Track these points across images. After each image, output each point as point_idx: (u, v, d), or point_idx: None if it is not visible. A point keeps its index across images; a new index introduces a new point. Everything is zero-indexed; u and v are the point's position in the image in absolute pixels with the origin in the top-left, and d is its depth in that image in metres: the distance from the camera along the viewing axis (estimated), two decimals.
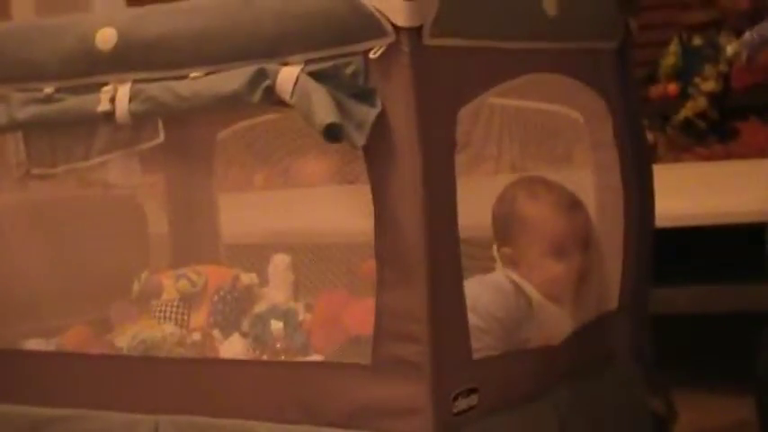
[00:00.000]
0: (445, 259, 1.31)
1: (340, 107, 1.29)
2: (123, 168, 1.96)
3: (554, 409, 1.47)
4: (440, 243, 1.30)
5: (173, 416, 1.49)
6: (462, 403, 1.34)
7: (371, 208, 1.36)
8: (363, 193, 1.68)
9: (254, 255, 1.90)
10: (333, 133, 1.28)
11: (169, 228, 2.00)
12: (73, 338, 1.71)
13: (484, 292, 1.48)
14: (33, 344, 1.69)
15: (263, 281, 1.84)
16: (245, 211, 2.02)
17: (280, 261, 1.87)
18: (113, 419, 1.53)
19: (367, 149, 1.31)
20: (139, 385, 1.55)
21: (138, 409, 1.52)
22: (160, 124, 1.52)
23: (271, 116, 1.71)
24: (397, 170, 1.29)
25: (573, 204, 1.56)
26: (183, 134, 1.85)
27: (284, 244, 1.89)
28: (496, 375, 1.39)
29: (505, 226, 1.55)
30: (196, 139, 1.93)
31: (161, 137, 1.59)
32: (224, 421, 1.45)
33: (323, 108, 1.28)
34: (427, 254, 1.28)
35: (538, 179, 1.58)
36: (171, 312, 1.80)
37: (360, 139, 1.29)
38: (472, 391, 1.35)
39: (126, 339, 1.72)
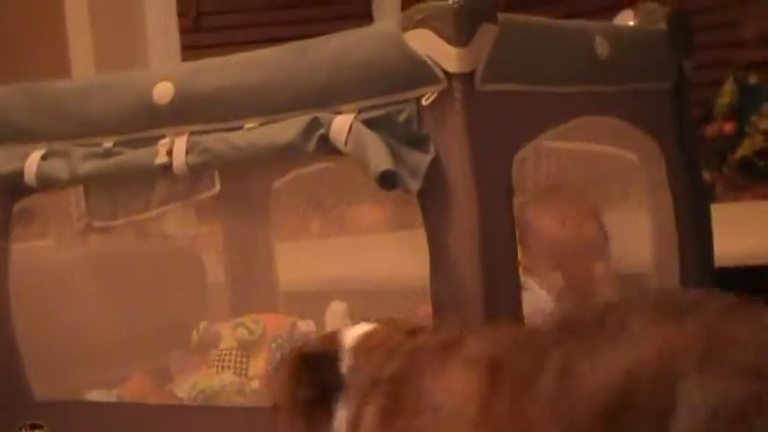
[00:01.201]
0: (503, 303, 1.30)
1: (394, 154, 1.29)
2: (180, 219, 1.98)
3: None
4: (498, 287, 1.29)
5: None
6: None
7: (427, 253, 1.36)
8: (418, 238, 1.70)
9: (312, 302, 1.90)
10: (388, 180, 1.28)
11: (226, 277, 2.01)
12: (133, 388, 1.72)
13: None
14: (95, 395, 1.70)
15: (321, 328, 1.84)
16: (301, 259, 2.02)
17: (336, 308, 1.87)
18: None
19: (421, 195, 1.31)
20: None
21: None
22: (216, 175, 1.54)
23: (325, 164, 1.71)
24: (452, 215, 1.29)
25: (583, 215, 1.54)
26: (238, 184, 1.87)
27: (341, 290, 1.89)
28: None
29: (520, 233, 1.53)
30: (252, 188, 1.95)
31: (217, 187, 1.61)
32: None
33: (377, 155, 1.28)
34: (484, 299, 1.27)
35: (553, 187, 1.57)
36: (230, 361, 1.80)
37: (414, 185, 1.29)
38: None
39: (186, 389, 1.73)
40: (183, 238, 2.03)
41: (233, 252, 2.03)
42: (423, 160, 1.29)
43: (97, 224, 1.74)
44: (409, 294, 1.69)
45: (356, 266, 1.96)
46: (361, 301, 1.85)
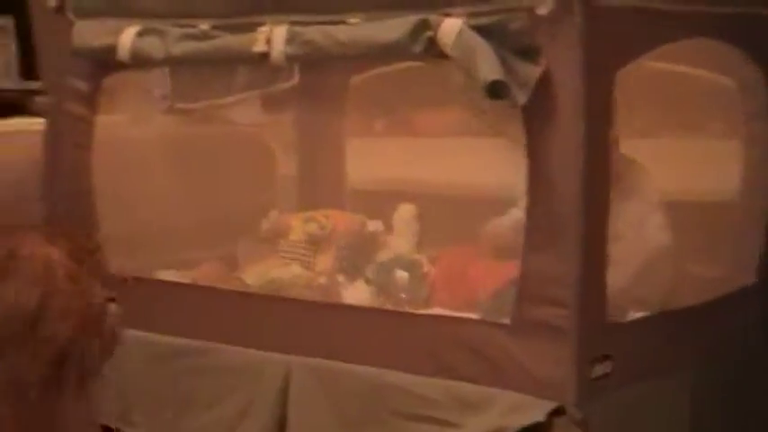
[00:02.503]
0: (597, 224, 1.29)
1: (503, 63, 1.26)
2: (254, 107, 1.97)
3: (686, 385, 1.45)
4: (594, 208, 1.28)
5: (304, 357, 1.50)
6: (599, 369, 1.32)
7: (508, 165, 1.36)
8: (489, 147, 1.68)
9: (379, 202, 1.90)
10: (496, 90, 1.25)
11: (297, 170, 2.01)
12: (206, 273, 1.73)
13: None
14: (168, 275, 1.71)
15: (388, 229, 1.84)
16: (371, 158, 2.01)
17: (405, 211, 1.86)
18: (247, 355, 1.54)
19: (525, 108, 1.28)
20: (270, 324, 1.56)
21: (269, 347, 1.54)
22: (296, 67, 1.52)
23: (406, 65, 1.69)
24: (557, 131, 1.26)
25: None
26: (316, 77, 1.86)
27: (409, 193, 1.89)
28: (631, 342, 1.38)
29: None
30: (329, 82, 1.93)
31: (296, 78, 1.60)
32: (356, 368, 1.45)
33: (487, 64, 1.25)
34: (583, 219, 1.26)
35: None
36: (298, 254, 1.81)
37: (522, 97, 1.26)
38: (607, 357, 1.34)
39: (254, 277, 1.74)
40: (254, 125, 2.02)
41: (305, 145, 2.03)
42: (533, 72, 1.26)
43: (179, 105, 1.74)
44: (481, 203, 1.71)
45: (426, 170, 1.95)
46: (430, 206, 1.85)
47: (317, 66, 1.66)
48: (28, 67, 2.69)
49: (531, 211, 1.31)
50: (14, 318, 0.97)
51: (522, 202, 1.35)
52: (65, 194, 1.69)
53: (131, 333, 1.63)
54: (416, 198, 1.86)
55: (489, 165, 1.65)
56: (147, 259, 1.73)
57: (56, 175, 1.69)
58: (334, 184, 1.99)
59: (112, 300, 1.62)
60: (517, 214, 1.46)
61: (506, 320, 1.35)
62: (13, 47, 2.69)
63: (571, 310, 1.28)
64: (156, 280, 1.69)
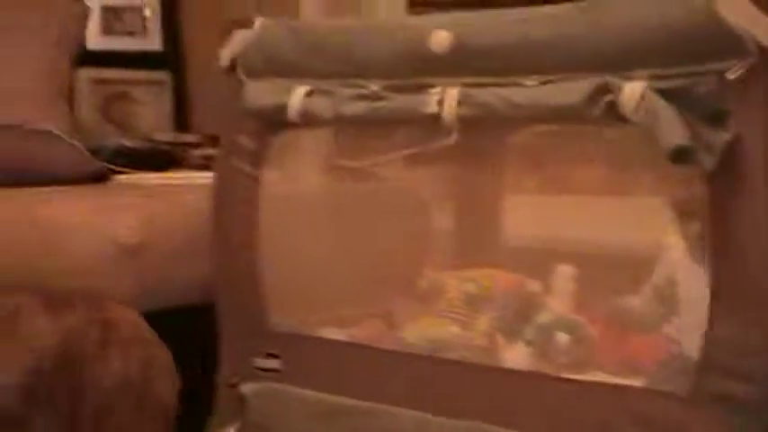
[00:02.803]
0: None
1: (689, 128, 1.23)
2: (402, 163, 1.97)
3: None
4: None
5: (465, 421, 1.48)
6: None
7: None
8: (644, 207, 1.64)
9: (536, 260, 1.87)
10: (682, 155, 1.22)
11: (454, 225, 2.00)
12: (366, 331, 1.73)
13: None
14: (329, 332, 1.72)
15: (547, 288, 1.81)
16: (528, 215, 1.99)
17: (564, 271, 1.84)
18: (406, 417, 1.53)
19: (711, 175, 1.25)
20: (429, 385, 1.55)
21: (429, 409, 1.52)
22: (454, 126, 1.52)
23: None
24: (747, 200, 1.22)
25: None
26: (476, 134, 1.85)
27: (567, 252, 1.86)
28: None
29: None
30: (487, 139, 1.92)
31: (454, 137, 1.59)
32: None
33: (672, 128, 1.22)
34: None
35: None
36: (456, 313, 1.80)
37: (710, 162, 1.23)
38: None
39: (413, 336, 1.73)
40: (410, 182, 2.02)
41: (461, 201, 2.02)
42: (720, 137, 1.23)
43: (342, 163, 1.76)
44: (639, 264, 1.66)
45: (583, 228, 1.91)
46: (587, 267, 1.81)
47: (474, 125, 1.66)
48: (182, 121, 2.79)
49: (714, 279, 1.26)
50: (126, 386, 0.98)
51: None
52: (231, 249, 1.71)
53: (293, 390, 1.67)
54: (573, 258, 1.82)
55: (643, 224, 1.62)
56: (308, 316, 1.75)
57: (223, 229, 1.72)
58: (490, 241, 1.97)
59: (276, 356, 1.64)
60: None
61: (683, 392, 1.30)
62: (169, 101, 2.79)
63: (759, 384, 1.23)
64: (317, 337, 1.70)
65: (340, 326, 1.74)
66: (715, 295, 1.26)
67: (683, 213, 1.46)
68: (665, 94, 1.26)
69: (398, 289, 1.84)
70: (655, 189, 1.58)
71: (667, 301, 1.55)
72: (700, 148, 1.23)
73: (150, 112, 2.74)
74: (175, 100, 2.78)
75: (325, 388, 1.63)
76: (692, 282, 1.42)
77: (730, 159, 1.23)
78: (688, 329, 1.37)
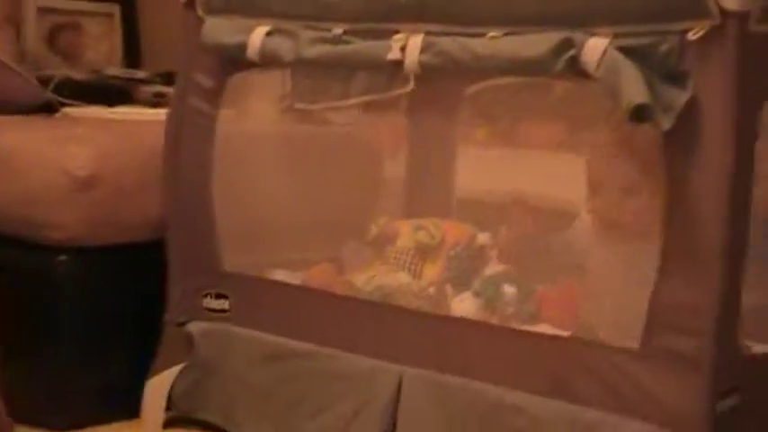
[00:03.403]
0: (737, 255, 1.27)
1: (649, 87, 1.24)
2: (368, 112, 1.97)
3: None
4: (735, 239, 1.26)
5: (417, 369, 1.50)
6: (727, 402, 1.31)
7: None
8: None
9: (486, 213, 1.89)
10: (640, 113, 1.24)
11: (405, 175, 2.01)
12: (317, 275, 1.74)
13: None
14: (279, 275, 1.72)
15: (497, 241, 1.83)
16: (480, 168, 2.00)
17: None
18: (358, 363, 1.54)
19: (667, 134, 1.27)
20: (381, 332, 1.56)
21: (381, 355, 1.54)
22: (412, 74, 1.52)
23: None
24: (701, 159, 1.24)
25: None
26: (433, 85, 1.85)
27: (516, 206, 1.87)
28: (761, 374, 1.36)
29: None
30: (444, 90, 1.93)
31: (411, 85, 1.59)
32: (472, 383, 1.45)
33: (633, 86, 1.23)
34: (724, 250, 1.24)
35: None
36: (406, 261, 1.81)
37: (667, 122, 1.24)
38: (734, 390, 1.32)
39: (362, 281, 1.75)
40: (365, 129, 2.02)
41: (414, 151, 2.02)
42: (679, 97, 1.24)
43: (298, 106, 1.76)
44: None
45: (533, 183, 1.94)
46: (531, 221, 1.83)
47: (435, 74, 1.66)
48: (132, 56, 2.74)
49: (666, 238, 1.29)
50: None
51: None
52: (185, 186, 1.70)
53: (241, 331, 1.68)
54: (522, 212, 1.83)
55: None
56: (259, 257, 1.74)
57: (176, 167, 1.71)
58: (442, 192, 1.99)
59: (225, 297, 1.63)
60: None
61: (634, 346, 1.33)
62: (118, 35, 2.73)
63: (707, 341, 1.26)
64: (268, 279, 1.70)
65: (290, 269, 1.75)
66: (664, 254, 1.29)
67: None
68: (627, 51, 1.27)
69: (349, 235, 1.85)
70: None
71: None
72: (658, 107, 1.24)
73: (100, 45, 2.69)
74: (126, 33, 2.73)
75: (273, 330, 1.63)
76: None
77: (687, 120, 1.25)
78: (634, 286, 1.39)
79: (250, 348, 1.66)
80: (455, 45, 1.41)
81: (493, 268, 1.74)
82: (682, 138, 1.26)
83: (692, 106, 1.25)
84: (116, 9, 2.77)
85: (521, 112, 1.96)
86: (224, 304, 1.69)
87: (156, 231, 1.74)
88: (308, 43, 1.53)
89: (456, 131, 2.00)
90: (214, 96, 1.66)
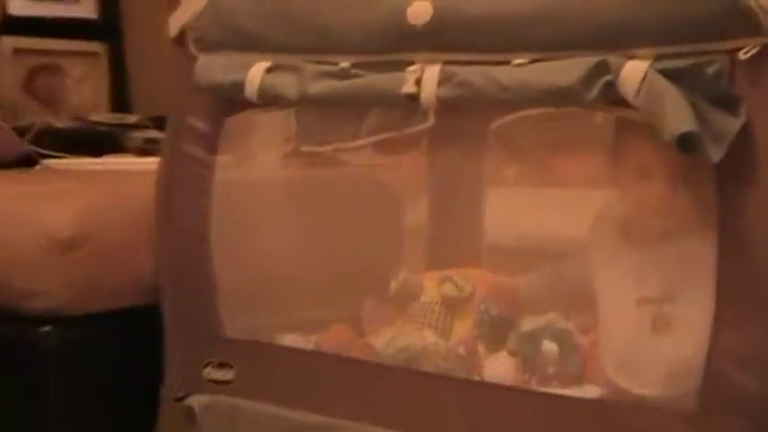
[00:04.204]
0: None
1: (696, 113, 1.25)
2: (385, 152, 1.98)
3: None
4: None
5: None
6: None
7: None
8: None
9: (520, 259, 1.89)
10: (687, 143, 1.24)
11: (428, 221, 2.02)
12: (332, 338, 1.74)
13: None
14: (290, 339, 1.73)
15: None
16: (512, 210, 2.01)
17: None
18: None
19: (719, 166, 1.27)
20: (406, 400, 1.55)
21: (406, 427, 1.53)
22: (431, 109, 1.53)
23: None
24: (758, 193, 1.25)
25: None
26: (454, 120, 1.86)
27: (553, 251, 1.88)
28: None
29: None
30: (467, 125, 1.94)
31: (430, 121, 1.61)
32: None
33: (677, 113, 1.24)
34: None
35: None
36: (432, 318, 1.82)
37: (716, 153, 1.25)
38: None
39: (383, 343, 1.75)
40: (382, 171, 2.03)
41: (437, 194, 2.04)
42: (731, 125, 1.25)
43: (305, 149, 1.77)
44: None
45: (572, 225, 1.94)
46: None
47: (457, 108, 1.68)
48: (120, 99, 2.78)
49: (721, 281, 1.29)
50: None
51: None
52: (180, 243, 1.72)
53: (247, 404, 1.68)
54: (561, 257, 1.84)
55: None
56: (266, 320, 1.75)
57: (170, 221, 1.72)
58: (469, 238, 1.99)
59: (229, 366, 1.64)
60: None
61: (692, 406, 1.32)
62: (104, 76, 2.78)
63: None
64: (277, 345, 1.71)
65: (302, 332, 1.75)
66: (720, 298, 1.29)
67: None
68: (670, 74, 1.28)
69: (368, 291, 1.86)
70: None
71: None
72: (707, 136, 1.25)
73: (83, 89, 2.73)
74: (113, 75, 2.77)
75: (285, 402, 1.63)
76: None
77: (740, 149, 1.25)
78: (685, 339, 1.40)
79: (258, 424, 1.66)
80: (476, 75, 1.42)
81: (530, 322, 1.73)
82: (735, 170, 1.27)
83: (745, 134, 1.25)
84: (101, 48, 2.81)
85: (555, 146, 1.97)
86: (228, 375, 1.69)
87: (149, 295, 1.75)
88: (313, 79, 1.54)
89: (483, 170, 2.00)
90: (210, 141, 1.68)
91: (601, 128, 1.66)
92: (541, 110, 1.79)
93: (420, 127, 1.62)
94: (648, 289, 1.46)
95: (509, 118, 1.91)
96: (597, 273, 1.57)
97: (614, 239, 1.56)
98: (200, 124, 1.69)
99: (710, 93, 1.27)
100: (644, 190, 1.45)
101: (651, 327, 1.45)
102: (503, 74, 1.40)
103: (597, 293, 1.55)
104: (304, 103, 1.58)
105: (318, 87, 1.54)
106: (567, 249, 1.84)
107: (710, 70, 1.27)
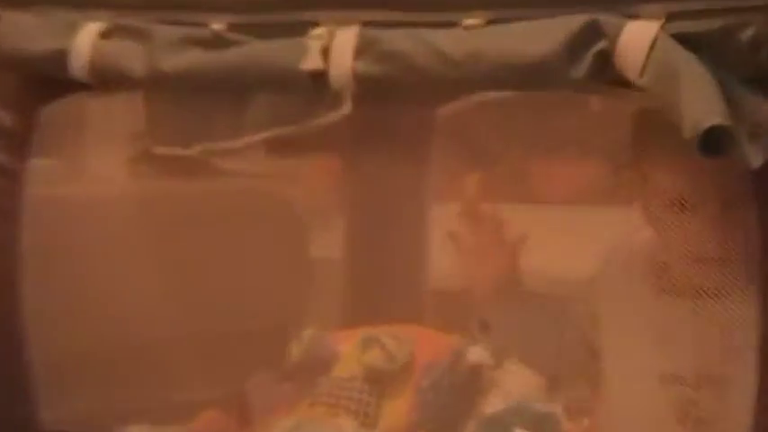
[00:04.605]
0: None
1: (728, 98, 1.26)
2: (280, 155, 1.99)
3: None
4: None
5: None
6: None
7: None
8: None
9: (481, 310, 1.90)
10: (716, 141, 1.25)
11: (345, 255, 2.03)
12: (203, 429, 1.74)
13: None
14: None
15: (500, 358, 1.84)
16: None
17: None
18: None
19: (759, 173, 1.29)
20: None
21: None
22: (346, 92, 1.53)
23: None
24: None
25: None
26: (380, 107, 1.87)
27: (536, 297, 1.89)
28: None
29: None
30: (402, 115, 1.95)
31: (347, 107, 1.61)
32: None
33: (701, 98, 1.25)
34: None
35: None
36: (350, 399, 1.82)
37: (757, 154, 1.26)
38: None
39: None
40: (276, 182, 2.04)
41: (359, 214, 2.05)
42: None
43: (160, 150, 1.76)
44: None
45: (567, 259, 1.95)
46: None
47: (384, 90, 1.69)
48: None
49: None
50: None
51: None
52: None
53: None
54: (547, 306, 1.86)
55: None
56: (102, 404, 1.75)
57: None
58: (407, 278, 2.02)
59: None
60: None
61: None
62: None
63: None
64: None
65: (157, 421, 1.74)
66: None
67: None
68: (688, 41, 1.29)
69: (256, 358, 1.85)
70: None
71: None
72: (742, 130, 1.26)
73: None
74: None
75: None
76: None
77: None
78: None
79: None
80: (409, 42, 1.42)
81: (497, 402, 1.75)
82: None
83: None
84: None
85: (533, 146, 2.00)
86: None
87: None
88: (169, 48, 1.54)
89: (426, 179, 2.02)
90: (16, 140, 1.67)
91: (603, 120, 1.69)
92: (507, 93, 1.85)
93: (331, 118, 1.61)
94: (678, 363, 1.48)
95: (461, 104, 1.95)
96: (605, 331, 1.59)
97: (633, 286, 1.58)
98: (1, 115, 1.68)
99: (746, 69, 1.29)
100: (678, 221, 1.49)
101: (677, 415, 1.49)
102: (448, 40, 1.40)
103: (602, 360, 1.57)
104: (157, 84, 1.58)
105: (177, 60, 1.54)
106: (559, 293, 1.86)
107: (745, 35, 1.28)
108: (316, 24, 1.48)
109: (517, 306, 1.82)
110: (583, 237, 1.88)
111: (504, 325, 1.80)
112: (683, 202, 1.50)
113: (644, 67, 1.30)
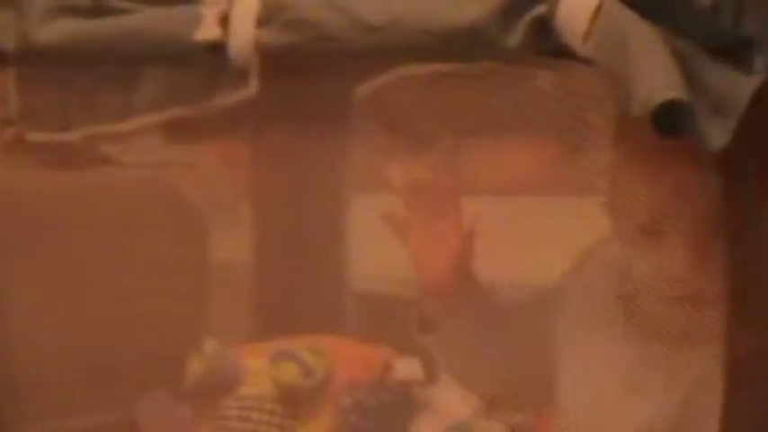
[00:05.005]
0: None
1: (686, 67, 1.27)
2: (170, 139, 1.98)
3: None
4: None
5: None
6: None
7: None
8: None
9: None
10: (672, 119, 1.26)
11: (252, 257, 2.03)
12: None
13: None
14: None
15: (431, 373, 1.85)
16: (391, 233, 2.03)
17: None
18: None
19: (724, 158, 1.30)
20: None
21: None
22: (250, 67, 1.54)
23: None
24: None
25: None
26: (290, 85, 1.88)
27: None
28: None
29: None
30: (315, 93, 1.95)
31: (253, 86, 1.61)
32: None
33: (654, 69, 1.26)
34: None
35: None
36: (261, 423, 1.83)
37: (718, 135, 1.27)
38: None
39: None
40: (173, 174, 2.04)
41: (267, 209, 2.05)
42: (742, 87, 1.27)
43: (34, 137, 1.75)
44: None
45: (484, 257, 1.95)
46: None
47: (293, 64, 1.69)
48: None
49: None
50: None
51: None
52: None
53: None
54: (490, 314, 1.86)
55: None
56: None
57: None
58: (325, 281, 2.03)
59: None
60: None
61: None
62: None
63: None
64: None
65: None
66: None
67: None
68: (639, 4, 1.29)
69: (149, 377, 1.86)
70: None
71: None
72: (704, 105, 1.27)
73: None
74: None
75: None
76: None
77: (753, 129, 1.28)
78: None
79: None
80: (320, 7, 1.44)
81: (432, 420, 1.77)
82: (748, 164, 1.31)
83: (759, 104, 1.28)
84: None
85: (467, 127, 2.00)
86: None
87: None
88: (42, 16, 1.54)
89: (344, 168, 2.02)
90: None
91: (558, 99, 1.70)
92: (435, 65, 1.86)
93: (234, 98, 1.62)
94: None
95: (383, 80, 1.95)
96: (563, 352, 1.61)
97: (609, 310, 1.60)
98: None
99: (706, 31, 1.29)
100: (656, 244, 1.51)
101: None
102: (364, 5, 1.42)
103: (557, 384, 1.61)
104: (29, 59, 1.59)
105: (53, 31, 1.54)
106: (514, 300, 1.87)
107: None
108: None
109: (466, 306, 1.81)
110: (537, 231, 1.89)
111: (448, 328, 1.80)
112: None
113: (587, 33, 1.31)
